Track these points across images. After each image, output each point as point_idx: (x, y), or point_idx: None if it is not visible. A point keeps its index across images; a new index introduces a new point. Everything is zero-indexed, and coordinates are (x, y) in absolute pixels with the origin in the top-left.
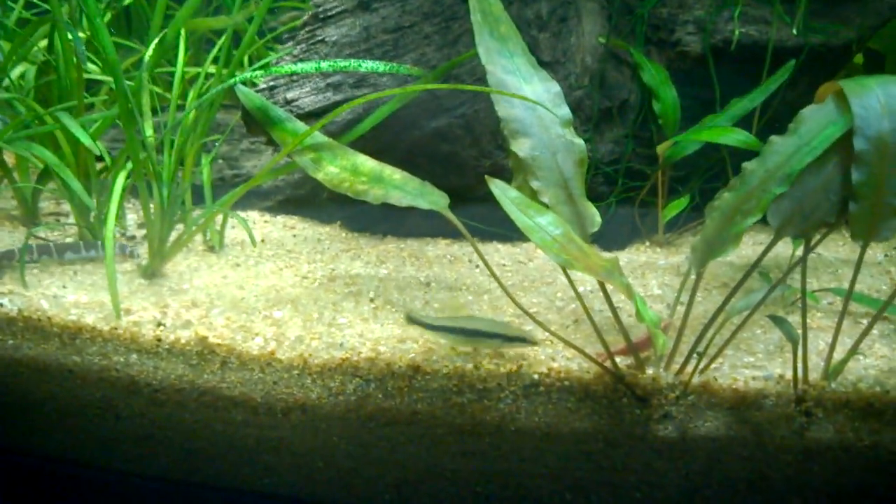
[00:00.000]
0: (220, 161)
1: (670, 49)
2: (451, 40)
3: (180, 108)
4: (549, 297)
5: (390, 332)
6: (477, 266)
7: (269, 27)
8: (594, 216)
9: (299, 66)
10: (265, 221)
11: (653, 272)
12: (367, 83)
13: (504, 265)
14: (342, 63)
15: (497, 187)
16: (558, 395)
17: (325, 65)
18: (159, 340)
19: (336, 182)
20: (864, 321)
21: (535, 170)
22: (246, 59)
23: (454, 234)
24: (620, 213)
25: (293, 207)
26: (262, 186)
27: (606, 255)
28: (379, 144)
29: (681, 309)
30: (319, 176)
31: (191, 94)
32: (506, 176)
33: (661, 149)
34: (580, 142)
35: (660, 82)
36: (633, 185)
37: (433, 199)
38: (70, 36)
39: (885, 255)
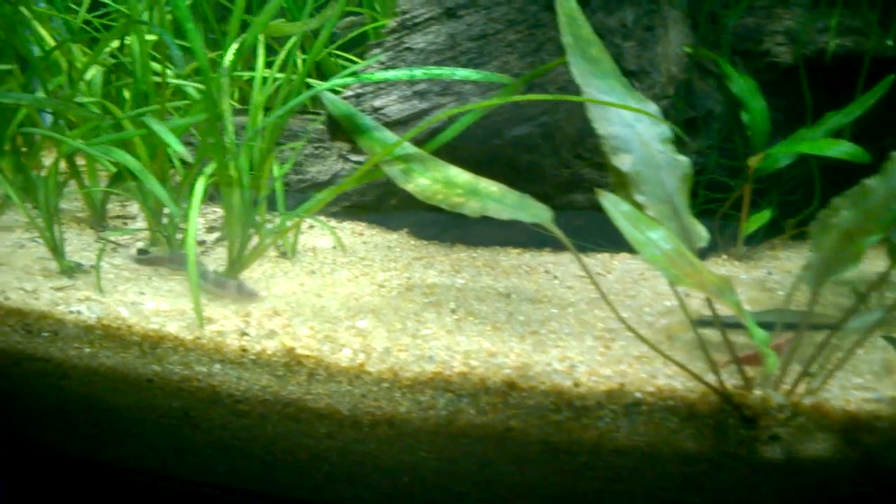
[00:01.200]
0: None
1: (758, 59)
2: (535, 48)
3: (260, 112)
4: (636, 311)
5: (479, 346)
6: (555, 277)
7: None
8: (701, 231)
9: (392, 74)
10: (333, 228)
11: (736, 287)
12: (451, 91)
13: (582, 277)
14: (436, 70)
15: (608, 201)
16: (661, 415)
17: (418, 72)
18: (244, 350)
19: (429, 194)
20: None
21: (639, 184)
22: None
23: (524, 243)
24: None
25: (359, 213)
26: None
27: (719, 271)
28: (456, 152)
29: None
30: (410, 187)
31: (254, 99)
32: (584, 186)
33: (753, 161)
34: (684, 158)
35: (748, 93)
36: (714, 197)
37: (535, 211)
38: (155, 39)
39: None
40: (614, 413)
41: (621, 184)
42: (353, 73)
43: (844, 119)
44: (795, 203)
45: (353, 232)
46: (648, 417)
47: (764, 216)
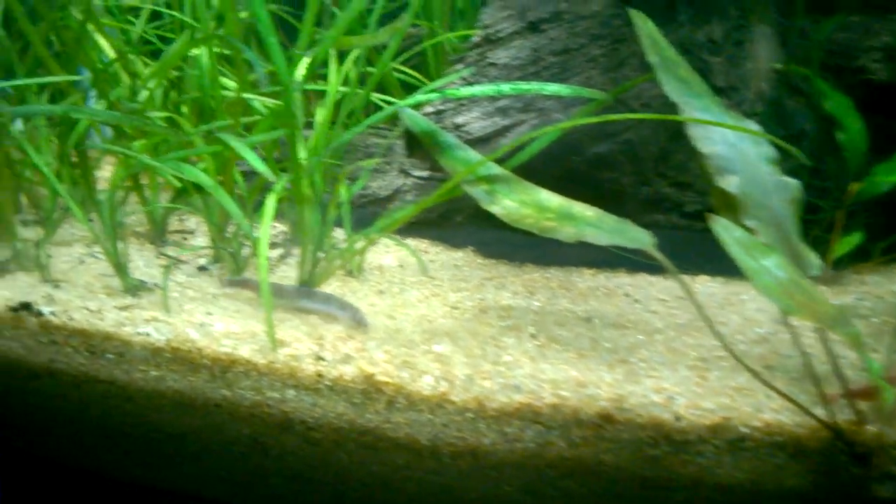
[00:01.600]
0: (347, 181)
1: (850, 76)
2: (618, 64)
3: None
4: (729, 338)
5: (566, 375)
6: (637, 301)
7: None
8: (813, 259)
9: (478, 90)
10: (396, 245)
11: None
12: (533, 108)
13: (664, 300)
14: (525, 86)
15: (720, 225)
16: (767, 451)
17: (505, 87)
18: (320, 376)
19: (517, 217)
20: None
21: (747, 207)
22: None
23: (598, 263)
24: None
25: (421, 230)
26: (390, 208)
27: (835, 301)
28: (532, 169)
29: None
30: (495, 209)
31: (320, 114)
32: (665, 206)
33: (855, 187)
34: (794, 181)
35: (844, 111)
36: (807, 219)
37: (635, 235)
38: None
39: None
40: (717, 448)
41: (726, 206)
42: (436, 90)
43: None
44: (882, 226)
45: (416, 249)
46: (754, 454)
47: (854, 239)
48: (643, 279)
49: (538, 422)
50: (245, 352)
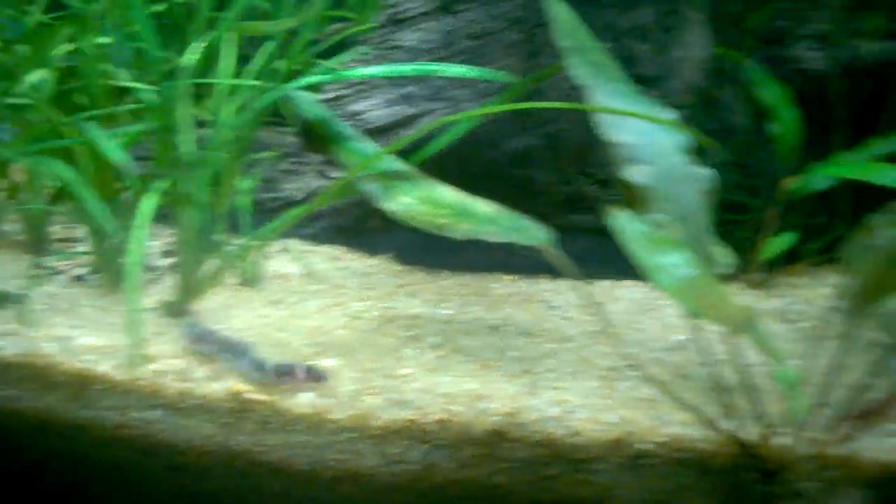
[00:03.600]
0: (261, 183)
1: (785, 66)
2: (538, 49)
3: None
4: (643, 346)
5: (464, 388)
6: (554, 307)
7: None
8: (725, 256)
9: (374, 70)
10: (307, 251)
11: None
12: (443, 96)
13: (584, 307)
14: (428, 66)
15: (617, 219)
16: (671, 468)
17: (406, 68)
18: (186, 394)
19: (413, 214)
20: None
21: (654, 200)
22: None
23: (520, 269)
24: None
25: (338, 236)
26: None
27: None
28: (444, 166)
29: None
30: (392, 207)
31: (219, 110)
32: (588, 205)
33: (788, 183)
34: (706, 170)
35: (779, 101)
36: (733, 218)
37: (532, 234)
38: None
39: None
40: (617, 466)
41: (633, 199)
42: (330, 71)
43: (891, 146)
44: (821, 226)
45: (329, 257)
46: (657, 471)
47: (786, 240)
48: (565, 285)
49: (425, 440)
50: (105, 368)
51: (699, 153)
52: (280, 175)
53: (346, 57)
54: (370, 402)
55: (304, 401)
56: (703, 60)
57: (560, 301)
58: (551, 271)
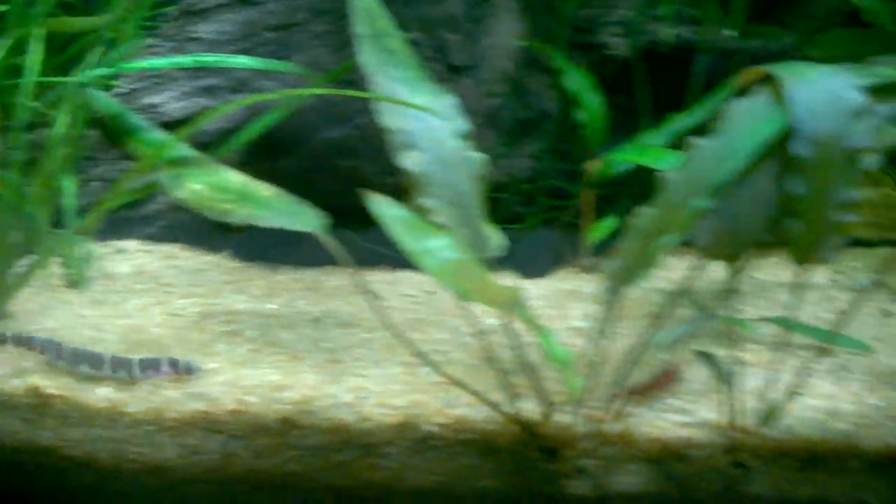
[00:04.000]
0: (96, 183)
1: (595, 53)
2: (346, 41)
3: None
4: (457, 331)
5: (266, 379)
6: (380, 298)
7: None
8: (495, 239)
9: (152, 62)
10: (144, 251)
11: (577, 301)
12: (247, 88)
13: (412, 296)
14: (208, 58)
15: (377, 204)
16: (457, 450)
17: (186, 59)
18: None
19: (200, 201)
20: (806, 355)
21: (427, 186)
22: None
23: (362, 263)
24: (543, 236)
25: (178, 234)
26: (143, 210)
27: (510, 284)
28: (278, 161)
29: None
30: (182, 195)
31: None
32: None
33: (590, 166)
34: (478, 155)
35: (584, 88)
36: (556, 204)
37: (306, 219)
38: None
39: (833, 280)
40: (405, 450)
41: (410, 185)
42: (115, 64)
43: (689, 121)
44: None
45: (164, 255)
46: (443, 453)
47: (608, 224)
48: (403, 275)
49: (220, 431)
50: None
51: (515, 140)
52: (121, 174)
53: (128, 49)
54: (167, 396)
55: (101, 395)
56: (514, 49)
57: (389, 292)
58: (394, 263)
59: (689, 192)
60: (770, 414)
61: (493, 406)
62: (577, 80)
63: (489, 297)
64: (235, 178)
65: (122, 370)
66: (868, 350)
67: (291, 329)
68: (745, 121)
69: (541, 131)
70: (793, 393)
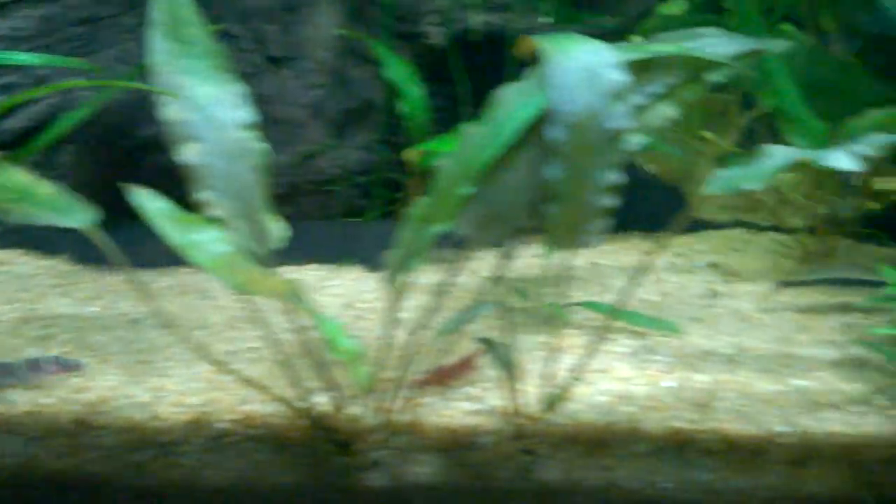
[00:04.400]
0: None
1: (417, 42)
2: None
3: None
4: (275, 328)
5: (69, 382)
6: (209, 297)
7: None
8: (278, 231)
9: None
10: None
11: (412, 292)
12: (51, 83)
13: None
14: None
15: (140, 197)
16: (250, 446)
17: None
18: None
19: None
20: (622, 338)
21: (207, 178)
22: None
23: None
24: (385, 228)
25: (19, 238)
26: None
27: (289, 276)
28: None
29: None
30: None
31: None
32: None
33: (409, 156)
34: (261, 146)
35: (404, 79)
36: (394, 196)
37: (76, 216)
38: None
39: (671, 263)
40: (201, 448)
41: (189, 178)
42: None
43: None
44: None
45: (2, 261)
46: (237, 450)
47: None
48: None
49: (17, 433)
50: None
51: (341, 131)
52: None
53: None
54: None
55: None
56: (333, 39)
57: (221, 290)
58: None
59: (456, 180)
60: (554, 399)
61: (285, 401)
62: (397, 71)
63: (266, 289)
64: (21, 177)
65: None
66: (677, 332)
67: (108, 331)
68: (511, 104)
69: (370, 122)
70: (576, 378)
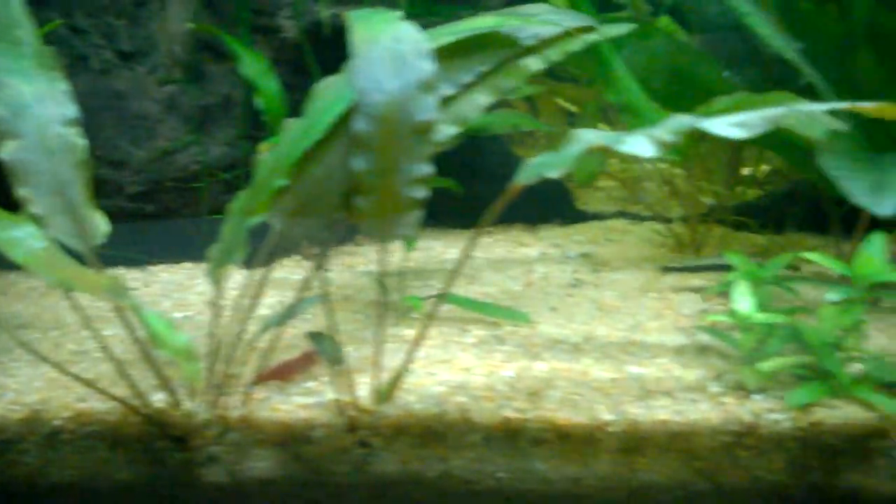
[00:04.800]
0: None
1: (274, 36)
2: None
3: None
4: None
5: None
6: (70, 299)
7: None
8: (100, 226)
9: None
10: None
11: (277, 289)
12: None
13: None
14: None
15: None
16: (87, 443)
17: None
18: None
19: None
20: (475, 329)
21: (24, 175)
22: None
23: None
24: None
25: None
26: None
27: (110, 272)
28: None
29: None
30: None
31: None
32: (107, 188)
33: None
34: (82, 142)
35: (259, 73)
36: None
37: None
38: None
39: (543, 253)
40: (40, 445)
41: (8, 175)
42: None
43: None
44: None
45: None
46: (75, 447)
47: None
48: (138, 274)
49: None
50: None
51: (201, 128)
52: None
53: None
54: None
55: None
56: (185, 34)
57: None
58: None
59: (272, 173)
60: (385, 391)
61: (119, 399)
62: (252, 65)
63: (87, 285)
64: None
65: None
66: (526, 321)
67: None
68: (327, 96)
69: (231, 118)
70: (406, 368)
